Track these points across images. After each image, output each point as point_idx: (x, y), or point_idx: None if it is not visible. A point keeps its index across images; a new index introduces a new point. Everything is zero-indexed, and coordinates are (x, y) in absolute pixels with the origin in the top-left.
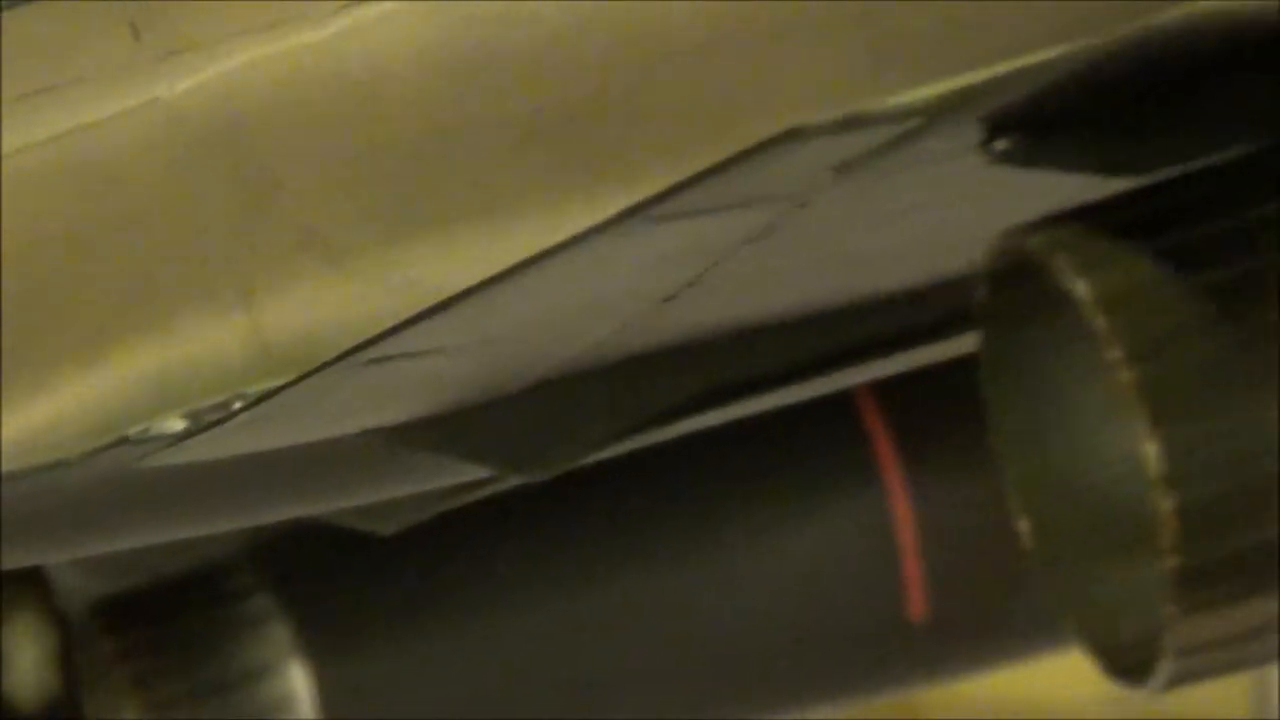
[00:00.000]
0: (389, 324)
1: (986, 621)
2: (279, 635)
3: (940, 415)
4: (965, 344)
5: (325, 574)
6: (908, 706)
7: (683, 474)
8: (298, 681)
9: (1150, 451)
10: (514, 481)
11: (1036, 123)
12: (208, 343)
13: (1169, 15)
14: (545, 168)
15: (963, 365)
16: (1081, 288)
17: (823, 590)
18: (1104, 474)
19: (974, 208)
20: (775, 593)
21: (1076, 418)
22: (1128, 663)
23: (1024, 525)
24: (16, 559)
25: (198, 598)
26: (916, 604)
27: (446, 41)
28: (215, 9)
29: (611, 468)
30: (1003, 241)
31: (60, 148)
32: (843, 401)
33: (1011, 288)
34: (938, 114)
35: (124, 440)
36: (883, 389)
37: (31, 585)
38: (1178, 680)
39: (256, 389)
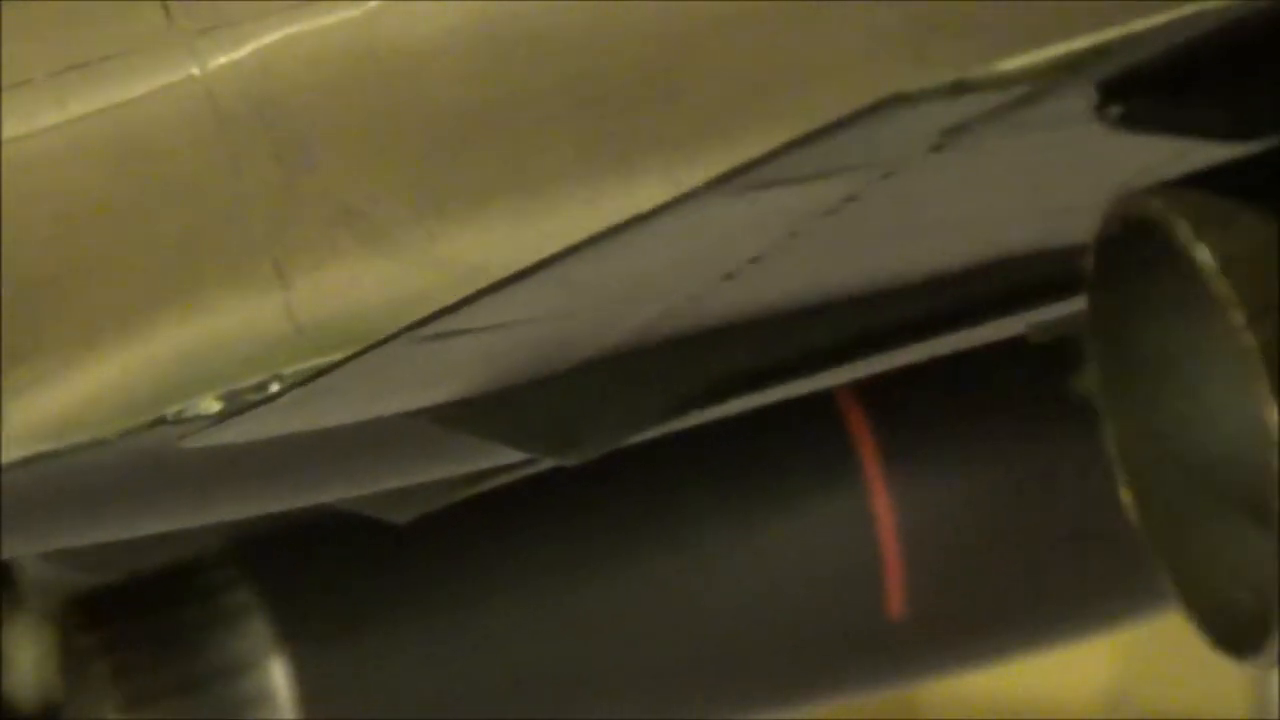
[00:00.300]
0: (426, 302)
1: (966, 621)
2: (259, 630)
3: (922, 413)
4: (969, 338)
5: (306, 569)
6: (906, 706)
7: (665, 471)
8: (277, 677)
9: (1272, 416)
10: (550, 464)
11: (1149, 87)
12: (243, 321)
13: None
14: (582, 144)
15: (945, 364)
16: (1203, 251)
17: (803, 588)
18: (1219, 441)
19: (1076, 175)
20: (755, 590)
21: (1191, 384)
22: (1238, 636)
23: (1127, 495)
24: (54, 538)
25: (177, 592)
26: (896, 602)
27: (482, 17)
28: None
29: (595, 463)
30: (1120, 204)
31: (93, 125)
32: (824, 400)
33: (1122, 253)
34: (1048, 80)
35: (162, 420)
36: (865, 387)
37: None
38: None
39: (291, 369)
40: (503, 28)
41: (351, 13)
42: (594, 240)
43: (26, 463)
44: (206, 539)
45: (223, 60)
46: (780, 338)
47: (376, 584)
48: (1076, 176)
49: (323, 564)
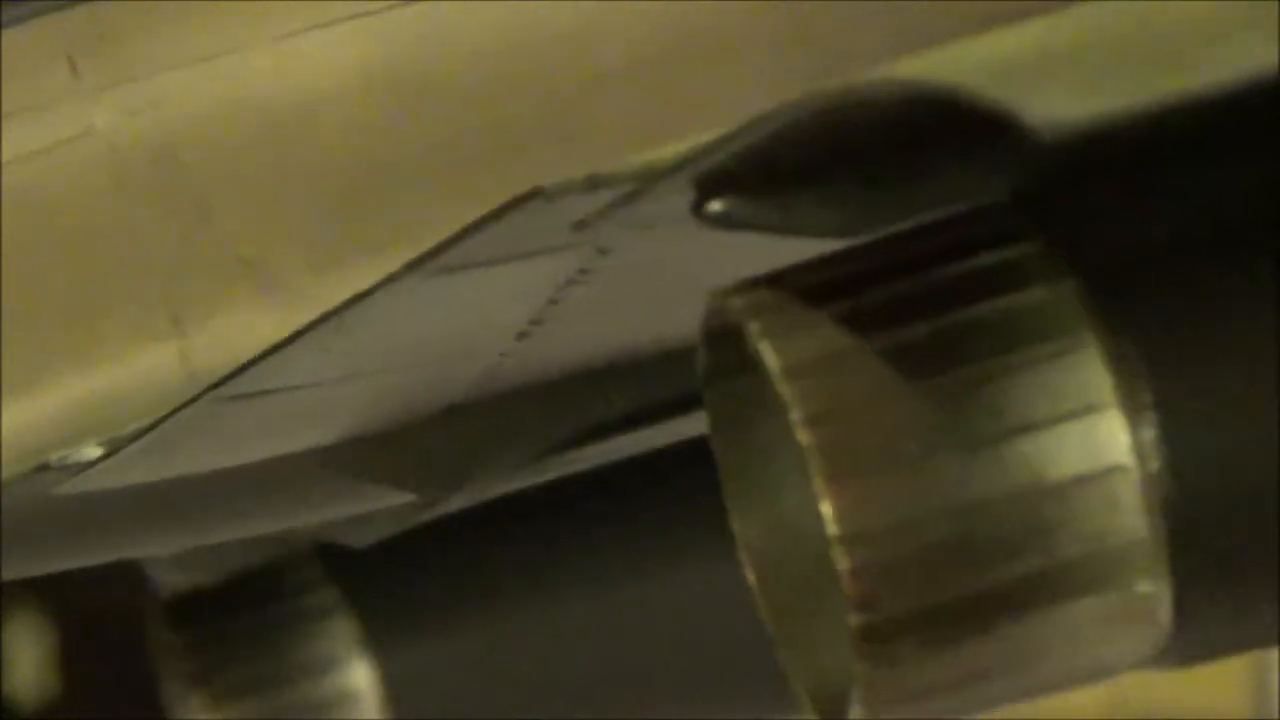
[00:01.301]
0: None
1: None
2: (343, 629)
3: None
4: None
5: (390, 568)
6: None
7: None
8: (361, 676)
9: (826, 512)
10: (440, 505)
11: (750, 184)
12: (138, 370)
13: (858, 84)
14: (476, 193)
15: None
16: (769, 354)
17: None
18: (811, 530)
19: (710, 268)
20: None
21: (791, 478)
22: (837, 713)
23: (751, 580)
24: None
25: (262, 592)
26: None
27: (378, 69)
28: (154, 41)
29: (661, 459)
30: (711, 302)
31: None
32: None
33: (726, 350)
34: (655, 176)
35: (45, 467)
36: None
37: (34, 585)
38: None
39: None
40: (398, 76)
41: (251, 64)
42: (326, 317)
43: None
44: (296, 541)
45: (124, 112)
46: (612, 387)
47: (459, 584)
48: (701, 274)
49: (406, 564)
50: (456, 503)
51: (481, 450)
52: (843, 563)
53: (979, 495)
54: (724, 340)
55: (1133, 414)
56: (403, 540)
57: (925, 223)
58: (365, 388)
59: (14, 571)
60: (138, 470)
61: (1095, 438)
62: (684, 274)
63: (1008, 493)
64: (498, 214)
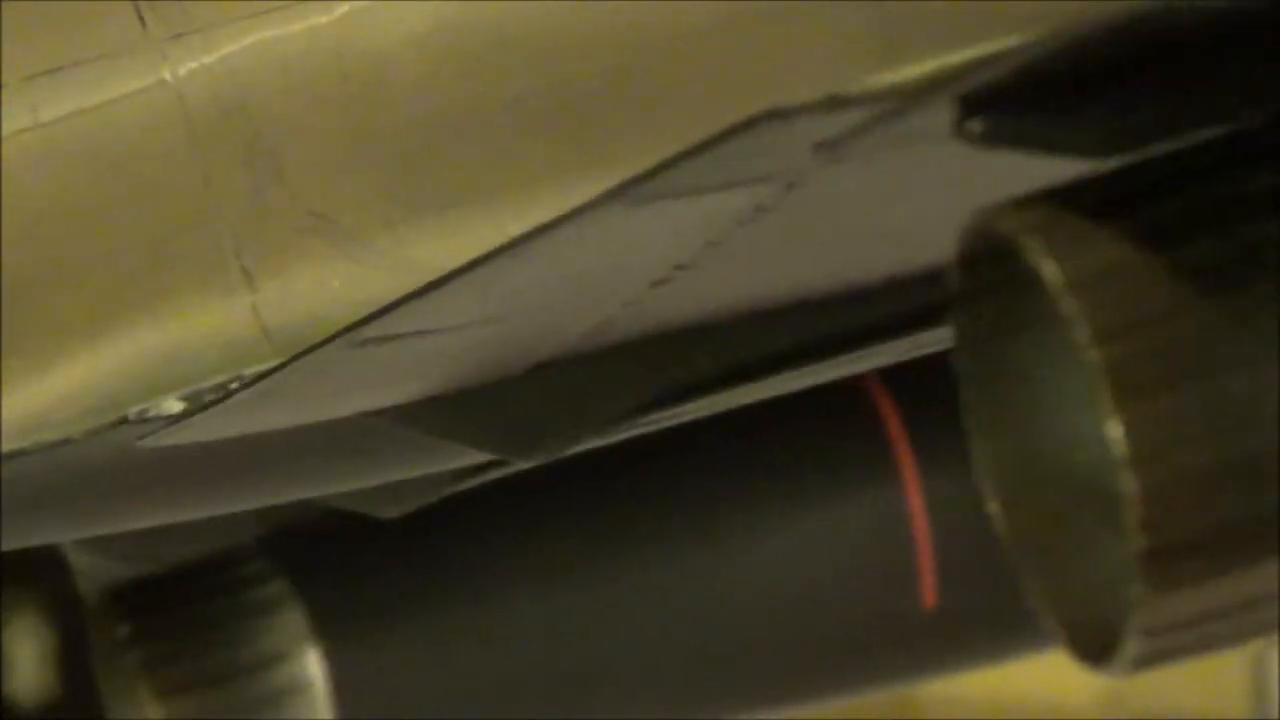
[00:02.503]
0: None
1: (997, 613)
2: (292, 622)
3: (952, 402)
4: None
5: (340, 560)
6: (906, 705)
7: (693, 462)
8: (311, 668)
9: (1114, 432)
10: (514, 465)
11: (1012, 103)
12: (211, 324)
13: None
14: (550, 149)
15: None
16: (1050, 269)
17: (835, 579)
18: (1075, 456)
19: (957, 191)
20: (786, 581)
21: (1049, 400)
22: (1096, 645)
23: (994, 507)
24: (19, 538)
25: (210, 584)
26: (929, 593)
27: (451, 25)
28: None
29: (627, 453)
30: (973, 222)
31: (66, 129)
32: (854, 388)
33: (983, 270)
34: (914, 94)
35: (124, 420)
36: (894, 376)
37: (33, 585)
38: (1144, 662)
39: (254, 371)
40: (471, 32)
41: (321, 18)
42: (501, 250)
43: None
44: (241, 531)
45: (193, 65)
46: (730, 341)
47: (410, 576)
48: (958, 194)
49: (357, 555)
50: (528, 463)
51: (563, 412)
52: (1130, 484)
53: (1269, 413)
54: (983, 260)
55: None
56: (351, 532)
57: (1188, 142)
58: (488, 335)
59: (90, 528)
60: (234, 422)
61: None
62: (887, 204)
63: None
64: (726, 135)
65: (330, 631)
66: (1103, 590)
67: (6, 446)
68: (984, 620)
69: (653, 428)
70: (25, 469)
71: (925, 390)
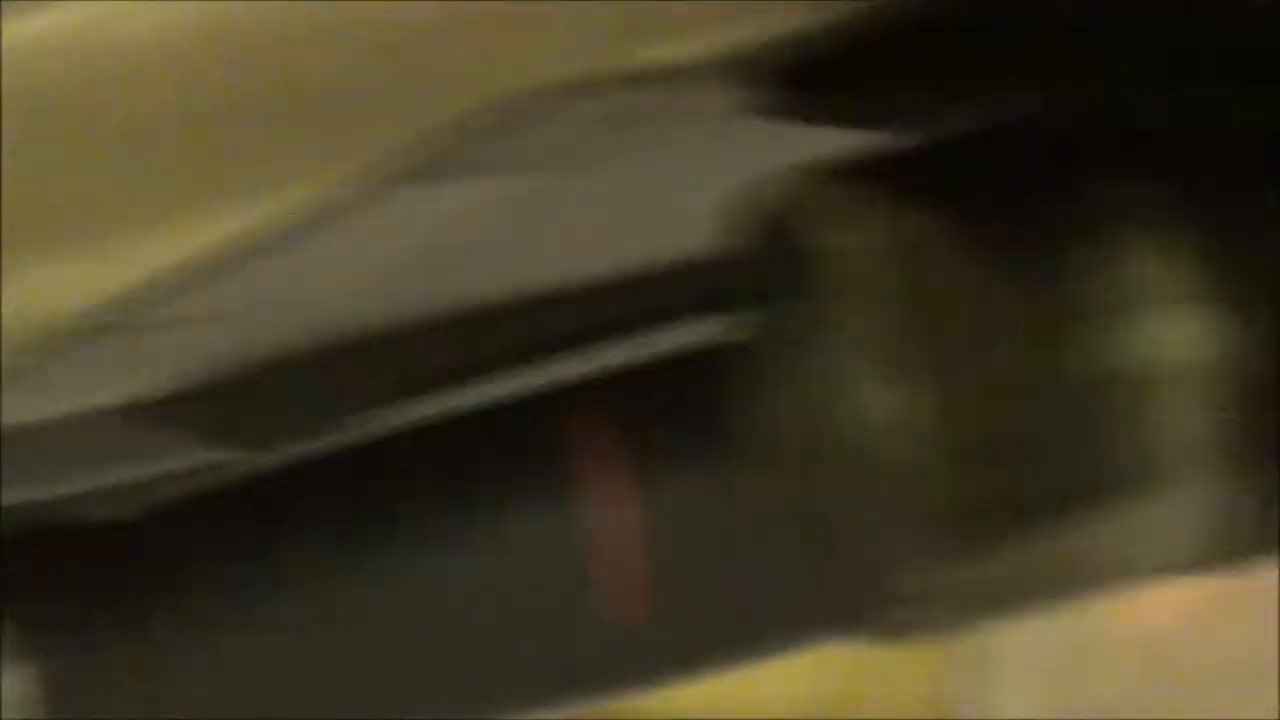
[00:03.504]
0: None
1: (712, 623)
2: None
3: (667, 409)
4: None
5: (50, 572)
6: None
7: (385, 471)
8: (22, 684)
9: (884, 400)
10: (242, 462)
11: (790, 77)
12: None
13: None
14: (279, 148)
15: (689, 359)
16: (829, 239)
17: (522, 589)
18: (853, 429)
19: (737, 170)
20: (478, 591)
21: (829, 374)
22: (871, 617)
23: (775, 482)
24: None
25: None
26: (641, 604)
27: (197, 20)
28: None
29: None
30: (756, 194)
31: None
32: (552, 395)
33: (766, 242)
34: (687, 71)
35: None
36: (607, 383)
37: None
38: (912, 630)
39: None
40: (216, 30)
41: (88, 13)
42: (233, 246)
43: None
44: None
45: None
46: (471, 336)
47: (128, 585)
48: (727, 173)
49: (69, 566)
50: (261, 462)
51: (300, 407)
52: (897, 454)
53: (1041, 387)
54: (765, 232)
55: (1210, 308)
56: (63, 541)
57: (979, 118)
58: (221, 331)
59: None
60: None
61: (1164, 331)
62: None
63: (1070, 385)
64: (466, 120)
65: (41, 646)
66: (877, 563)
67: None
68: (698, 633)
69: (393, 423)
70: None
71: (639, 393)
